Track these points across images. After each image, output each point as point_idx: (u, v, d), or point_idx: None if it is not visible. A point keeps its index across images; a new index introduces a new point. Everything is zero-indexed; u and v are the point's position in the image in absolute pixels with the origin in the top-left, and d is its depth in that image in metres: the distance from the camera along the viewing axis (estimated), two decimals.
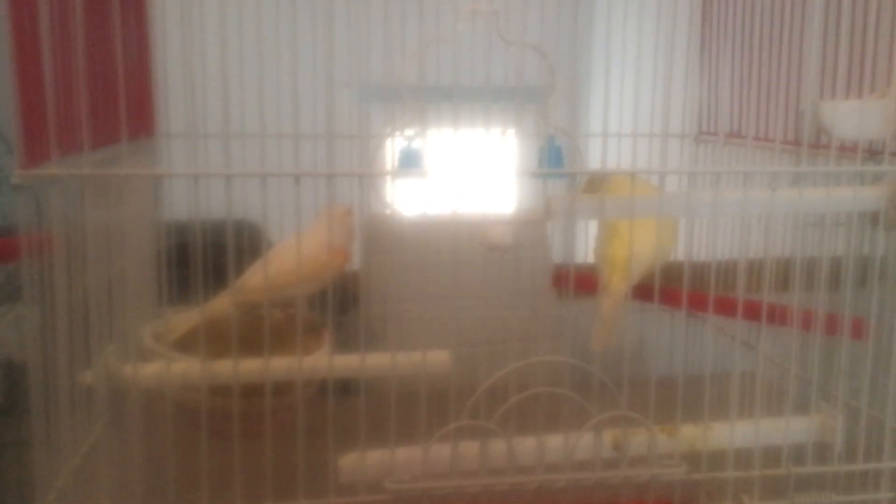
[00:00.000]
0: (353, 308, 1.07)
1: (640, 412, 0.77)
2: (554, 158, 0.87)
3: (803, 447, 0.82)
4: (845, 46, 0.79)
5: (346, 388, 0.80)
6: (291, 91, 0.71)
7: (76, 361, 0.71)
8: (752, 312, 0.83)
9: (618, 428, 0.77)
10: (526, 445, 0.77)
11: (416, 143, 0.89)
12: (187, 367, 0.79)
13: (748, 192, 0.77)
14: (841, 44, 0.79)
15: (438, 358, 0.82)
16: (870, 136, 0.80)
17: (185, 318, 0.88)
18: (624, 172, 0.79)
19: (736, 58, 1.08)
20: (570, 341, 1.04)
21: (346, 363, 0.81)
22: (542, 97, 0.87)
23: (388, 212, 0.87)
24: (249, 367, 0.76)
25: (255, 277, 0.91)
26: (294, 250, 0.88)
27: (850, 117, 0.78)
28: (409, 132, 0.89)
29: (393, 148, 0.91)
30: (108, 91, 0.76)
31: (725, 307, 0.84)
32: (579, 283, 0.99)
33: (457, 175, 0.73)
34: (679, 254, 0.98)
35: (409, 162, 0.88)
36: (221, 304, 0.87)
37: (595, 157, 0.90)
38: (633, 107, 0.78)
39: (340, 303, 0.95)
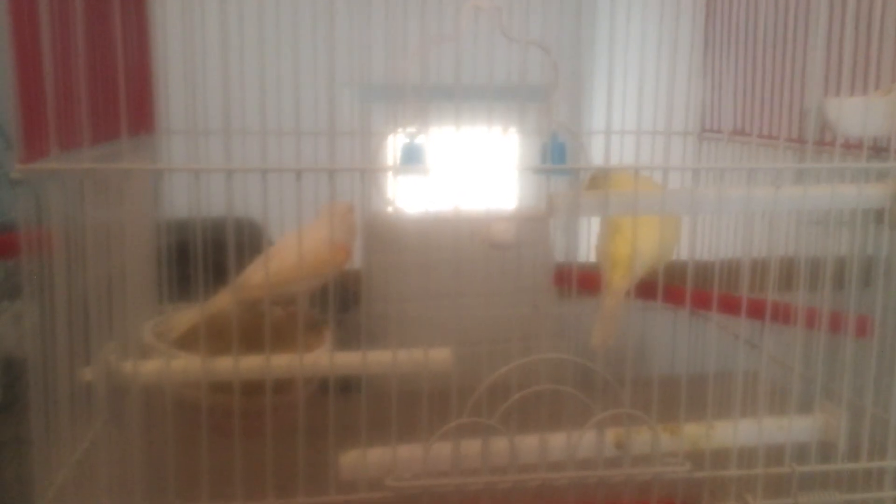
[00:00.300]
0: (354, 306, 1.06)
1: (642, 411, 0.76)
2: (557, 155, 0.87)
3: (807, 446, 0.81)
4: (850, 42, 0.78)
5: (347, 386, 0.80)
6: (293, 88, 0.70)
7: (76, 358, 0.71)
8: (756, 311, 0.82)
9: (620, 426, 0.77)
10: (528, 443, 0.76)
11: (418, 140, 0.88)
12: (187, 364, 0.78)
13: (752, 189, 0.76)
14: (846, 40, 0.78)
15: (440, 355, 0.82)
16: (875, 132, 0.79)
17: (187, 316, 0.87)
18: (627, 168, 0.78)
19: (740, 54, 1.08)
20: (572, 340, 1.04)
21: (347, 360, 0.81)
22: (545, 96, 0.87)
23: (389, 209, 0.87)
24: (250, 364, 0.75)
25: (256, 274, 0.90)
26: (295, 247, 0.87)
27: (854, 114, 0.77)
28: (411, 128, 0.89)
29: (395, 144, 0.90)
30: (108, 87, 0.75)
31: (729, 305, 0.84)
32: (581, 281, 0.99)
33: (459, 172, 0.73)
34: (682, 252, 0.97)
35: (411, 158, 0.87)
36: (223, 301, 0.87)
37: (598, 155, 0.90)
38: (636, 104, 0.78)
39: (341, 301, 0.95)
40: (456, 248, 0.74)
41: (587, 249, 0.98)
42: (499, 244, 0.84)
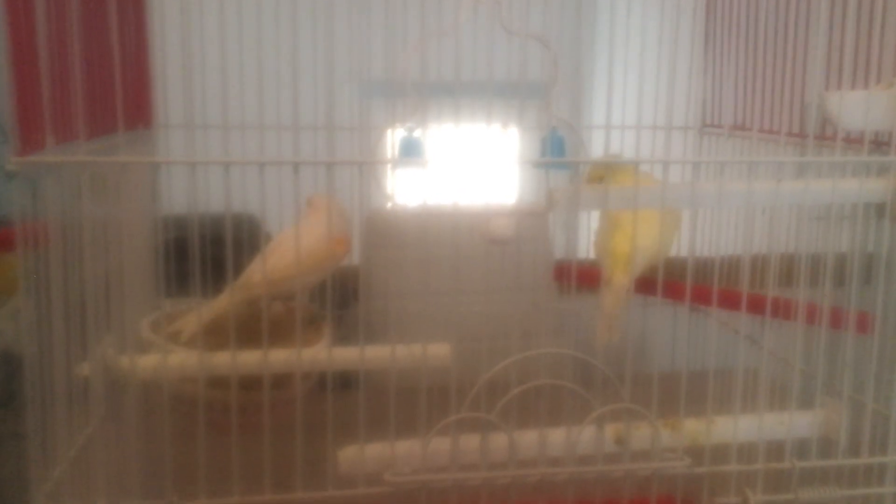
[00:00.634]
0: (353, 303, 1.06)
1: (642, 407, 0.76)
2: (556, 149, 0.86)
3: (807, 442, 0.81)
4: (851, 36, 0.78)
5: (346, 383, 0.80)
6: (291, 82, 0.70)
7: (73, 353, 0.70)
8: (756, 306, 0.82)
9: (620, 422, 0.76)
10: (527, 439, 0.76)
11: (417, 133, 0.88)
12: (185, 359, 0.78)
13: (753, 184, 0.76)
14: (847, 33, 0.78)
15: (439, 350, 0.82)
16: (876, 126, 0.79)
17: (194, 318, 0.86)
18: (627, 161, 0.78)
19: (740, 49, 1.08)
20: (572, 336, 1.04)
21: (346, 356, 0.80)
22: (544, 93, 0.87)
23: (388, 204, 0.86)
24: (248, 359, 0.75)
25: (258, 273, 0.90)
26: (295, 242, 0.87)
27: (856, 107, 0.77)
28: (410, 122, 0.89)
29: (393, 138, 0.90)
30: (106, 80, 0.75)
31: (729, 301, 0.83)
32: (581, 277, 0.98)
33: (457, 165, 0.72)
34: (682, 249, 0.97)
35: (410, 152, 0.87)
36: (230, 300, 0.86)
37: (598, 150, 0.89)
38: (636, 99, 0.77)
39: (340, 297, 0.95)
40: (455, 243, 0.74)
41: (587, 245, 0.97)
42: (498, 239, 0.84)
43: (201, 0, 0.83)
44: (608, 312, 0.90)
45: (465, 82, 0.74)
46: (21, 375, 0.67)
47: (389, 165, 0.79)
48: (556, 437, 0.76)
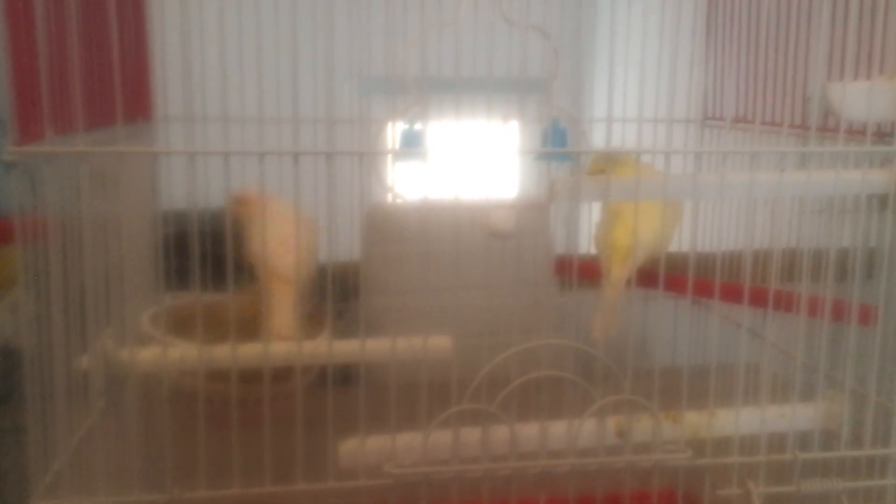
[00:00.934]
0: (354, 298, 1.06)
1: (644, 399, 0.76)
2: (557, 141, 0.86)
3: (809, 434, 0.81)
4: (854, 27, 0.78)
5: (346, 378, 0.79)
6: (291, 75, 0.70)
7: (72, 347, 0.70)
8: (758, 299, 0.82)
9: (621, 414, 0.76)
10: (528, 431, 0.76)
11: (418, 125, 0.88)
12: (185, 353, 0.78)
13: (755, 174, 0.76)
14: (849, 24, 0.78)
15: (439, 344, 0.81)
16: (879, 117, 0.79)
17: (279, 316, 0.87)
18: (628, 151, 0.78)
19: (742, 40, 1.07)
20: (572, 330, 1.03)
21: (346, 349, 0.80)
22: (545, 88, 0.86)
23: (389, 196, 0.86)
24: (248, 352, 0.75)
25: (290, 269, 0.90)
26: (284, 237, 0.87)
27: (858, 98, 0.77)
28: (411, 115, 0.88)
29: (394, 131, 0.90)
30: (105, 72, 0.75)
31: (731, 294, 0.83)
32: (582, 271, 0.98)
33: (458, 158, 0.72)
34: (684, 242, 0.97)
35: (411, 144, 0.87)
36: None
37: (599, 143, 0.89)
38: (637, 91, 0.77)
39: (341, 292, 0.94)
40: (456, 238, 0.73)
41: (587, 239, 0.97)
42: (499, 233, 0.84)
43: None
44: (608, 306, 0.90)
45: (466, 77, 0.73)
46: (20, 369, 0.67)
47: (390, 156, 0.79)
48: (558, 429, 0.76)
